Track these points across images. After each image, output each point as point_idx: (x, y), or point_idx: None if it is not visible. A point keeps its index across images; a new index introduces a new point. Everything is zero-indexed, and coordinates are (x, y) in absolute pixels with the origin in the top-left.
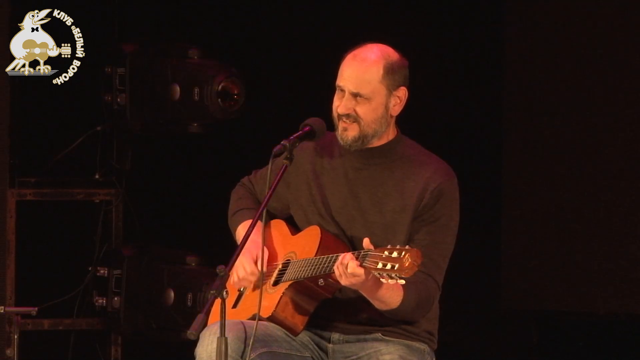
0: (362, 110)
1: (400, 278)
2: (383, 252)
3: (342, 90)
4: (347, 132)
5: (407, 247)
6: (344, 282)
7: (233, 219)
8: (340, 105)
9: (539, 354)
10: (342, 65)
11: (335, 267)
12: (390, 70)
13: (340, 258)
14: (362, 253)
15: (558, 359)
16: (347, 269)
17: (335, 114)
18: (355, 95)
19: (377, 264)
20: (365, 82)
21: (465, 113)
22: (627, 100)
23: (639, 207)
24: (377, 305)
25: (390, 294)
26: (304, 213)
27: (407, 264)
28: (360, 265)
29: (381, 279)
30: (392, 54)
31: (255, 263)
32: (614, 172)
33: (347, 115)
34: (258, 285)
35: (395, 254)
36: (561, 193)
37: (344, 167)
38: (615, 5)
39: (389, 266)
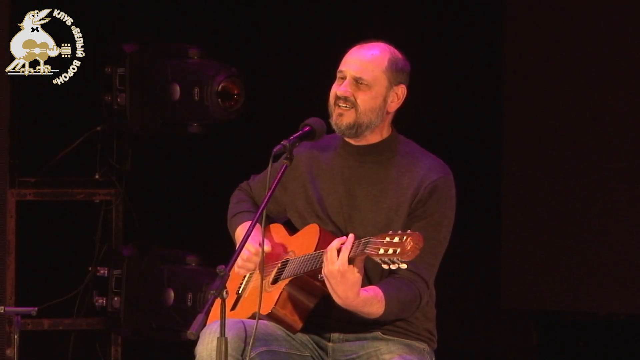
0: (361, 96)
1: (402, 262)
2: (384, 238)
3: (343, 77)
4: (342, 118)
5: (408, 231)
6: (326, 269)
7: (232, 221)
8: (340, 87)
9: (539, 354)
10: (346, 54)
11: (325, 250)
12: (394, 65)
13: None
14: (363, 240)
15: (558, 359)
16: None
17: (332, 99)
18: (357, 80)
19: (379, 250)
20: (368, 68)
21: (465, 113)
22: (627, 100)
23: (639, 208)
24: (360, 314)
25: (369, 309)
26: (301, 215)
27: (408, 248)
28: (363, 252)
29: (383, 265)
30: (397, 53)
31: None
32: (614, 172)
33: (345, 99)
34: (258, 285)
35: (396, 239)
36: (561, 193)
37: (340, 166)
38: (616, 5)
39: (390, 251)
